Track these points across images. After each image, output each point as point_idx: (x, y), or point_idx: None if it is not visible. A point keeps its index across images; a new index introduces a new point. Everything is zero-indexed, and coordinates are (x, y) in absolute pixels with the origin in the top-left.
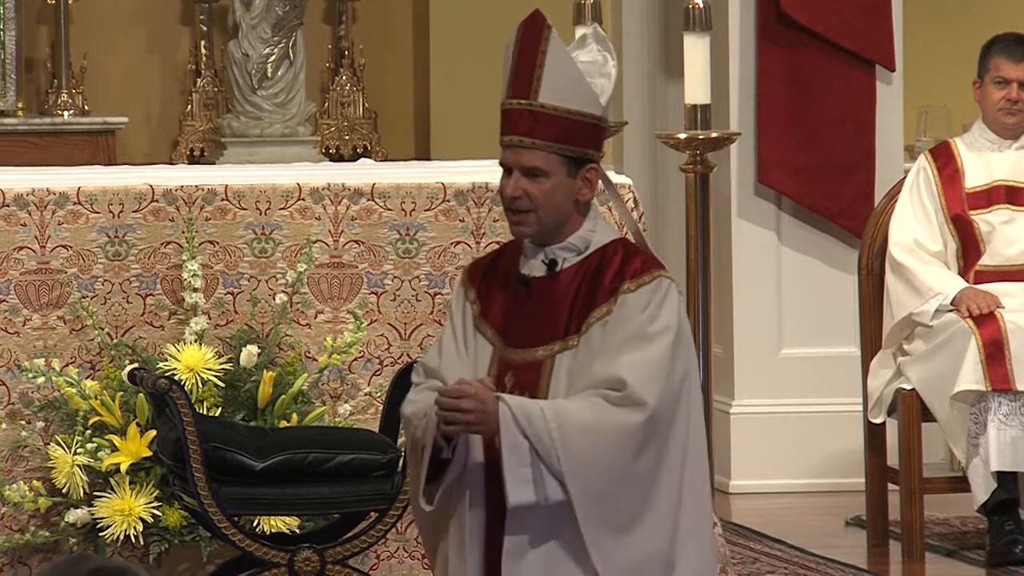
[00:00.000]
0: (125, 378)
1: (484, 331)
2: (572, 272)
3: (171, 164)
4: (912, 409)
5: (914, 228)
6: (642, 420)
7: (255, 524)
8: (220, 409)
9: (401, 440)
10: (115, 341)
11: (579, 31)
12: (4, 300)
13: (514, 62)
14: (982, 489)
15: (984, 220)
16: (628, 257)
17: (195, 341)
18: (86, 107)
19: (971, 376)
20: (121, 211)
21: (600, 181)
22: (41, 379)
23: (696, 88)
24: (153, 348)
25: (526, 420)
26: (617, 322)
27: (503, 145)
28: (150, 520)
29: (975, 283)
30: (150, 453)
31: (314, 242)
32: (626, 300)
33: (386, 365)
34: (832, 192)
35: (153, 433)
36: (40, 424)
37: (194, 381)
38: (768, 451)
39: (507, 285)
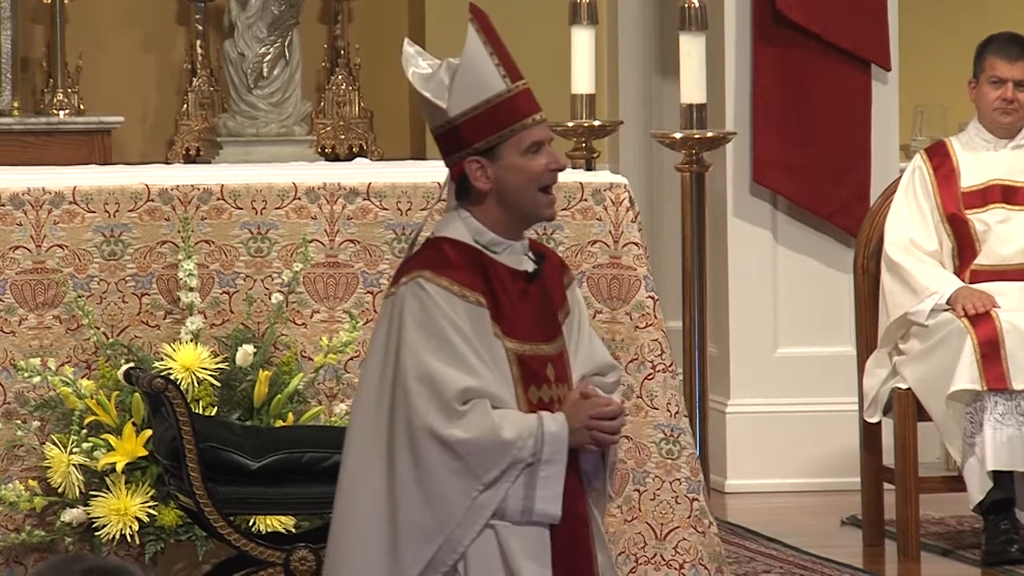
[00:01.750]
0: (121, 377)
1: (497, 331)
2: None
3: (167, 163)
4: (908, 408)
5: (910, 227)
6: None
7: (251, 523)
8: (216, 408)
9: None
10: (111, 340)
11: (577, 32)
12: (0, 300)
13: (495, 52)
14: (978, 488)
15: (980, 219)
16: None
17: (191, 340)
18: (82, 106)
19: (967, 375)
20: (117, 210)
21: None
22: (37, 378)
23: (692, 87)
24: (149, 347)
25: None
26: (579, 304)
27: (533, 123)
28: (146, 519)
29: (971, 282)
30: (146, 452)
31: (310, 241)
32: (574, 282)
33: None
34: (828, 191)
35: (149, 432)
36: (36, 423)
37: (190, 380)
38: (764, 450)
39: (505, 282)
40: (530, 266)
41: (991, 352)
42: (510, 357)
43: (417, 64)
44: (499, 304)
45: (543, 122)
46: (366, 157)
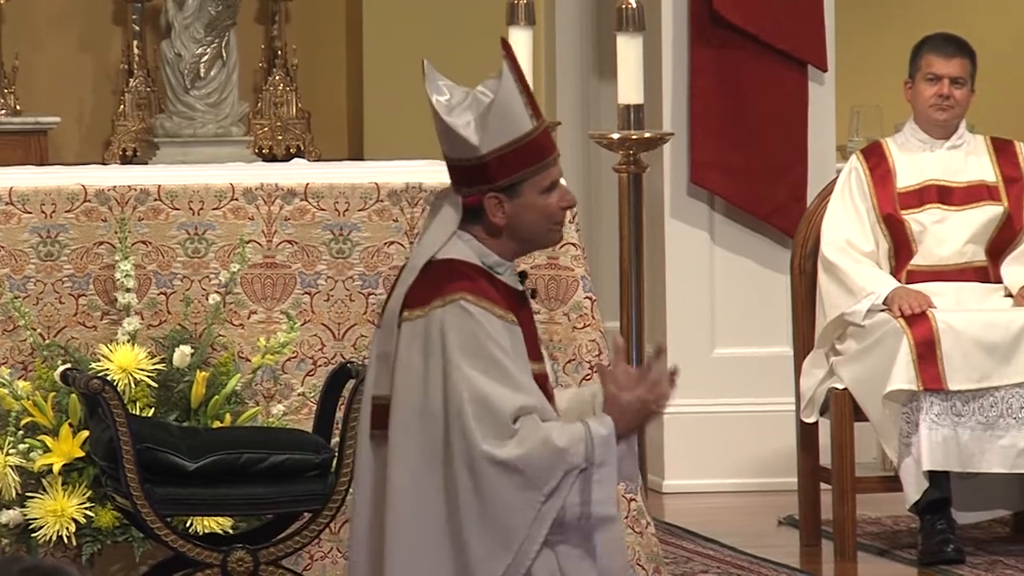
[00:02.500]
0: (57, 378)
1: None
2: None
3: (104, 164)
4: (844, 409)
5: (846, 228)
6: None
7: (188, 525)
8: (153, 409)
9: (335, 440)
10: (47, 341)
11: (514, 32)
12: None
13: (522, 90)
14: (914, 488)
15: (916, 220)
16: None
17: (128, 341)
18: (18, 107)
19: (903, 376)
20: (53, 211)
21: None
22: None
23: (629, 88)
24: (86, 348)
25: None
26: None
27: (553, 162)
28: (83, 521)
29: (907, 283)
30: (83, 454)
31: (247, 242)
32: None
33: (320, 365)
34: (765, 192)
35: (86, 433)
36: None
37: (127, 381)
38: (701, 451)
39: (513, 303)
40: (520, 285)
41: (927, 352)
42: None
43: (437, 88)
44: (518, 321)
45: (558, 159)
46: (303, 158)
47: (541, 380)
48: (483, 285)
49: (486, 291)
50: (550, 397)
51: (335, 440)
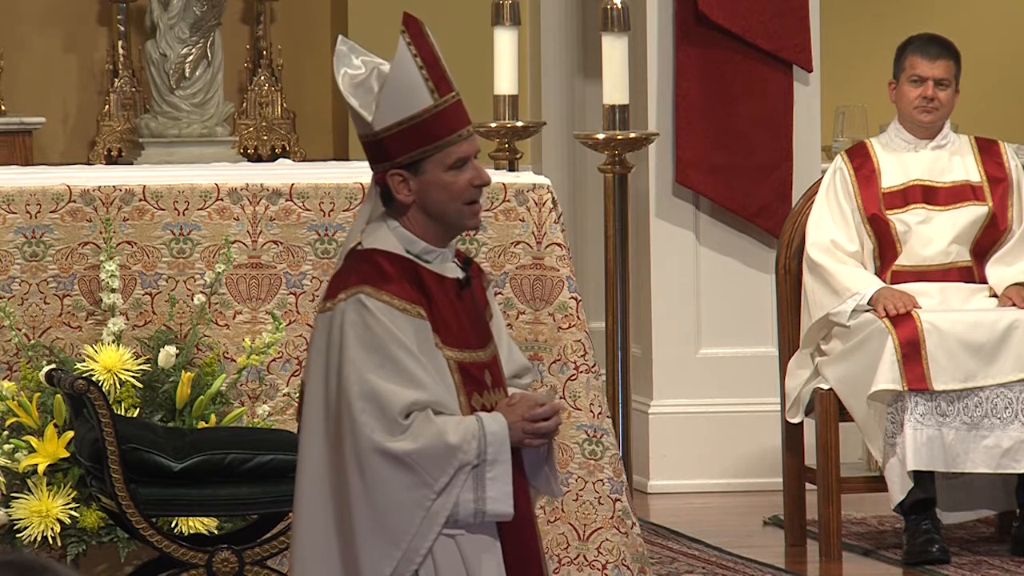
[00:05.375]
0: (43, 379)
1: (437, 341)
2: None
3: (88, 164)
4: (829, 409)
5: (831, 228)
6: None
7: (173, 525)
8: (138, 410)
9: None
10: (32, 342)
11: (499, 32)
12: None
13: (425, 64)
14: (899, 488)
15: (900, 220)
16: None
17: (113, 342)
18: (2, 107)
19: (888, 376)
20: (38, 212)
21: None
22: None
23: (614, 88)
24: (71, 349)
25: None
26: (497, 308)
27: (459, 139)
28: (68, 521)
29: (892, 283)
30: (68, 454)
31: (232, 242)
32: (491, 285)
33: (304, 366)
34: (750, 192)
35: (71, 434)
36: None
37: (112, 382)
38: (686, 451)
39: (439, 291)
40: (459, 273)
41: (912, 352)
42: (451, 366)
43: (350, 63)
44: (436, 314)
45: (470, 136)
46: (288, 158)
47: (477, 368)
48: (391, 276)
49: (392, 284)
50: (500, 384)
51: None
